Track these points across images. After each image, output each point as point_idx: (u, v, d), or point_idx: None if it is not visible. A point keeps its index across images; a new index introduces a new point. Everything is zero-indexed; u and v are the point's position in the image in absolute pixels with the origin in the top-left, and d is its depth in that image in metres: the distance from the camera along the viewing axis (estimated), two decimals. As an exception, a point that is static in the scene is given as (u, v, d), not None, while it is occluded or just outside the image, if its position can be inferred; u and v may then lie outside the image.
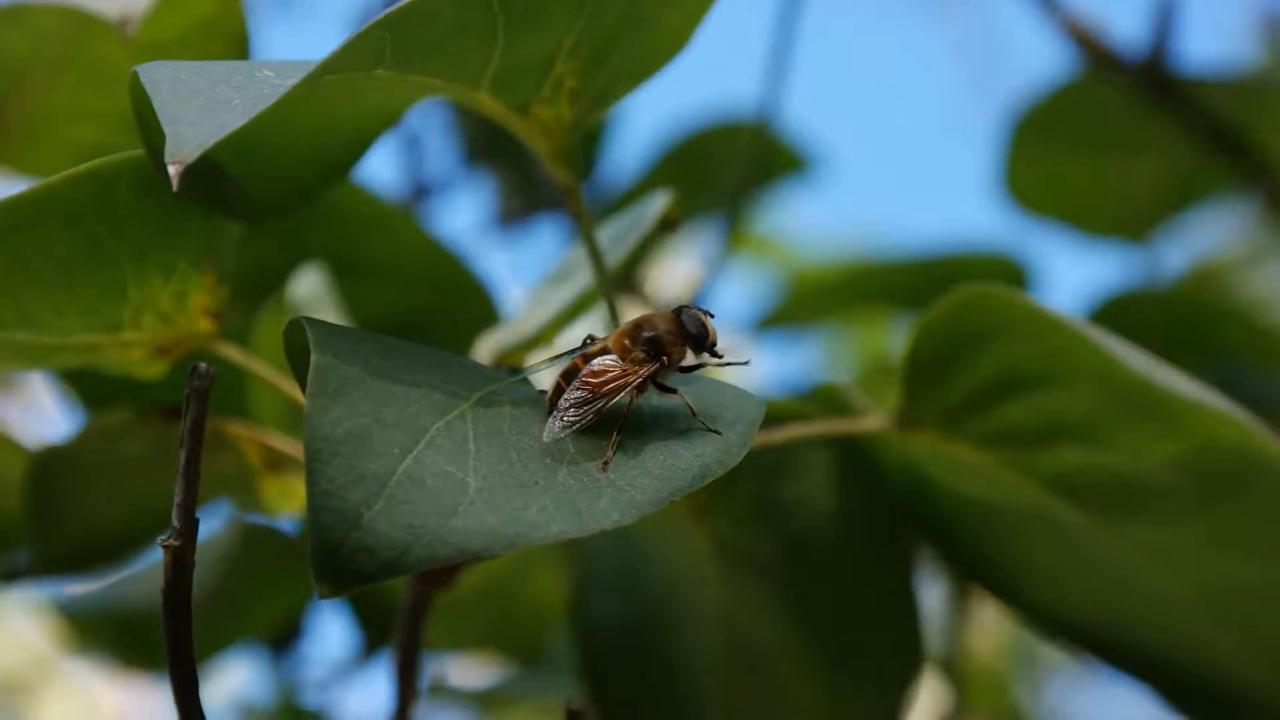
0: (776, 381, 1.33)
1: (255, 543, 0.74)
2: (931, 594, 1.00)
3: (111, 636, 0.78)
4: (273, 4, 1.22)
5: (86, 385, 0.71)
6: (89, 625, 0.78)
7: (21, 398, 1.23)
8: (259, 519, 0.72)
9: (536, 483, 0.41)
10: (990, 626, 1.44)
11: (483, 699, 0.88)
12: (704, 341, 0.46)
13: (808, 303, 1.17)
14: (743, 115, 1.06)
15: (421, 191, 1.07)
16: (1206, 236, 1.26)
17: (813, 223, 1.47)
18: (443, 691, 0.86)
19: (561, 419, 0.43)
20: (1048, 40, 0.96)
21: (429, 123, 1.09)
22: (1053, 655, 1.57)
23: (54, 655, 1.30)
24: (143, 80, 0.43)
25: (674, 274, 1.25)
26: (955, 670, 0.94)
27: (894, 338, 1.31)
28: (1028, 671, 1.61)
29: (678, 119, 1.10)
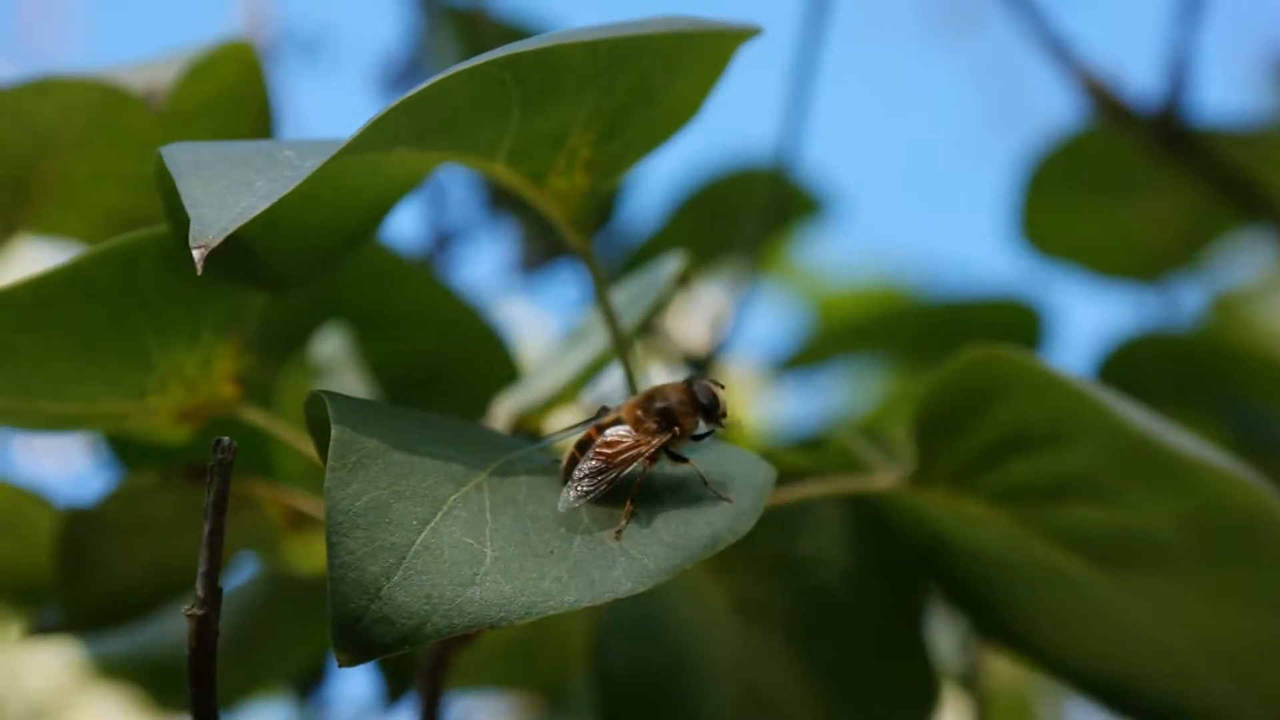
0: (800, 418, 1.34)
1: (280, 591, 0.76)
2: (951, 631, 1.01)
3: (144, 676, 0.79)
4: (297, 56, 1.23)
5: (121, 440, 0.72)
6: (124, 666, 0.79)
7: (49, 444, 1.25)
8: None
9: (551, 552, 0.42)
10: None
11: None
12: (715, 412, 0.47)
13: (830, 345, 1.18)
14: (762, 160, 1.07)
15: (444, 239, 1.08)
16: (1222, 277, 1.26)
17: (836, 250, 1.48)
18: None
19: (576, 489, 0.44)
20: (1071, 92, 0.97)
21: (451, 170, 1.10)
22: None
23: (79, 680, 1.31)
24: (166, 163, 0.44)
25: (694, 318, 1.26)
26: (978, 703, 0.95)
27: (915, 377, 1.31)
28: (1050, 694, 1.61)
29: (697, 165, 1.11)
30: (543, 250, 1.09)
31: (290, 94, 1.32)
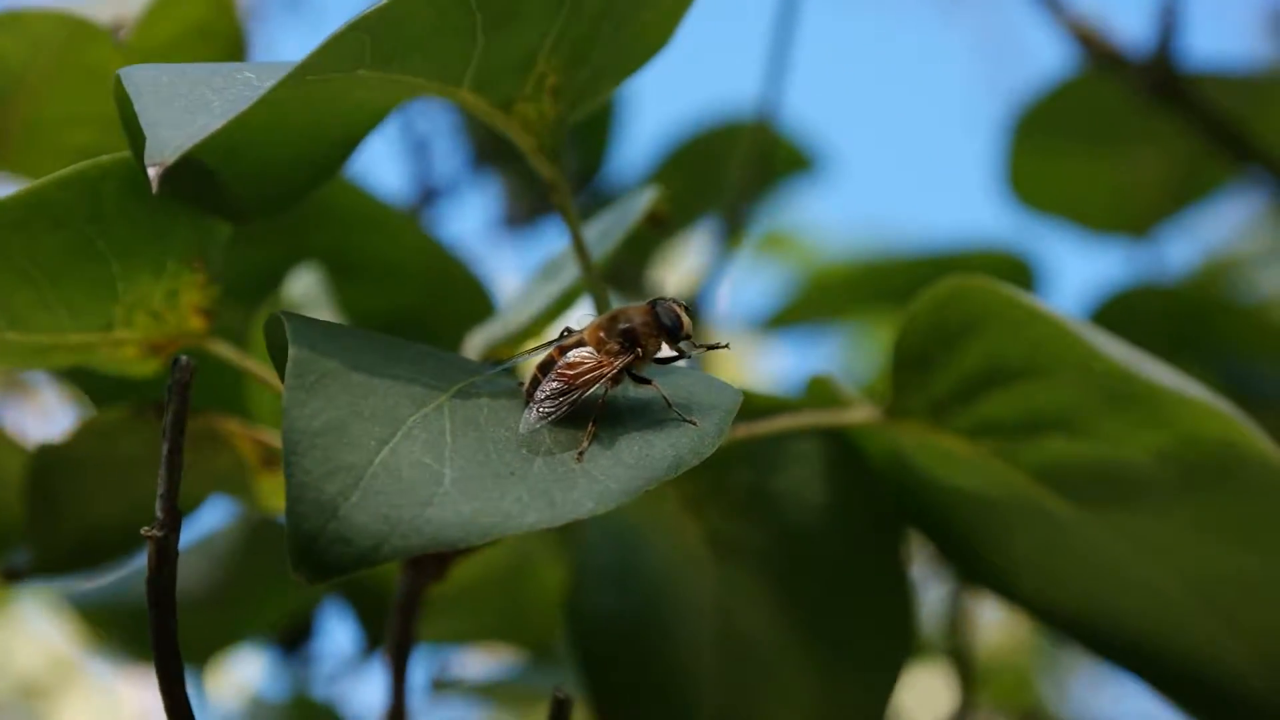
0: (793, 379, 1.33)
1: (263, 538, 0.75)
2: (938, 589, 1.00)
3: (123, 630, 0.79)
4: (280, 7, 1.23)
5: (95, 386, 0.72)
6: (102, 619, 0.79)
7: (32, 402, 1.25)
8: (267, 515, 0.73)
9: (512, 473, 0.41)
10: (1010, 623, 1.44)
11: (488, 692, 0.89)
12: (678, 333, 0.47)
13: (819, 301, 1.18)
14: (749, 115, 1.06)
15: (429, 194, 1.08)
16: (1214, 232, 1.26)
17: (832, 219, 1.48)
18: (448, 685, 0.87)
19: (537, 410, 0.43)
20: (1058, 37, 0.97)
21: (436, 126, 1.10)
22: (1076, 652, 1.57)
23: (74, 657, 1.31)
24: (125, 83, 0.44)
25: (682, 274, 1.26)
26: (964, 663, 0.95)
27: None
28: (1050, 669, 1.61)
29: (686, 119, 1.11)
30: (527, 207, 1.09)
31: (274, 50, 1.31)
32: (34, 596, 1.23)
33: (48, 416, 1.22)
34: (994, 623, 1.44)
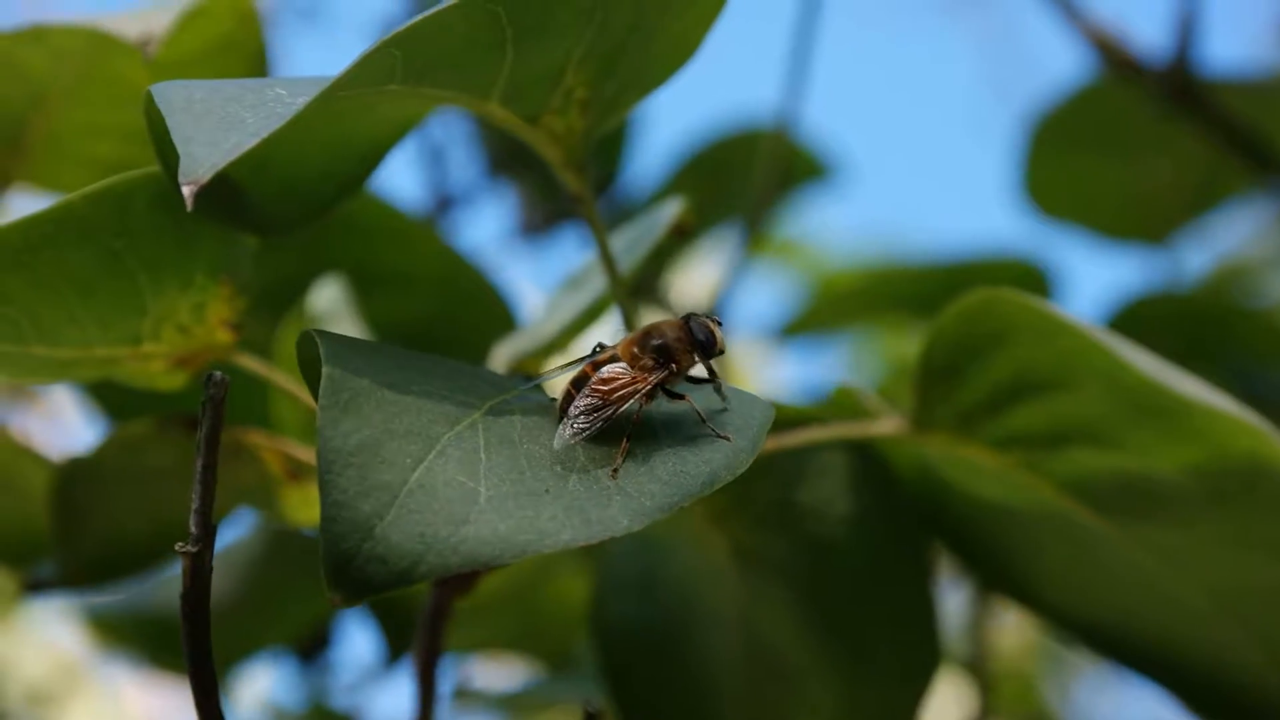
0: (803, 387, 1.33)
1: (283, 548, 0.75)
2: (955, 598, 1.00)
3: (143, 638, 0.79)
4: (296, 16, 1.23)
5: (112, 398, 0.72)
6: (121, 627, 0.79)
7: (45, 410, 1.24)
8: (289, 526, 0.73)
9: (547, 490, 0.41)
10: (1017, 628, 1.44)
11: (509, 702, 0.89)
12: (712, 349, 0.47)
13: (831, 309, 1.18)
14: (765, 123, 1.06)
15: (445, 203, 1.08)
16: (1229, 239, 1.26)
17: (841, 228, 1.48)
18: (469, 696, 0.87)
19: (572, 426, 0.43)
20: (1072, 44, 0.97)
21: (452, 135, 1.10)
22: (1081, 657, 1.57)
23: (81, 663, 1.31)
24: (157, 100, 0.43)
25: (698, 281, 1.26)
26: (981, 673, 0.95)
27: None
28: (1055, 674, 1.61)
29: (701, 127, 1.11)
30: (544, 215, 1.09)
31: (289, 58, 1.31)
32: (41, 603, 1.23)
33: (55, 423, 1.22)
34: (1000, 628, 1.43)
